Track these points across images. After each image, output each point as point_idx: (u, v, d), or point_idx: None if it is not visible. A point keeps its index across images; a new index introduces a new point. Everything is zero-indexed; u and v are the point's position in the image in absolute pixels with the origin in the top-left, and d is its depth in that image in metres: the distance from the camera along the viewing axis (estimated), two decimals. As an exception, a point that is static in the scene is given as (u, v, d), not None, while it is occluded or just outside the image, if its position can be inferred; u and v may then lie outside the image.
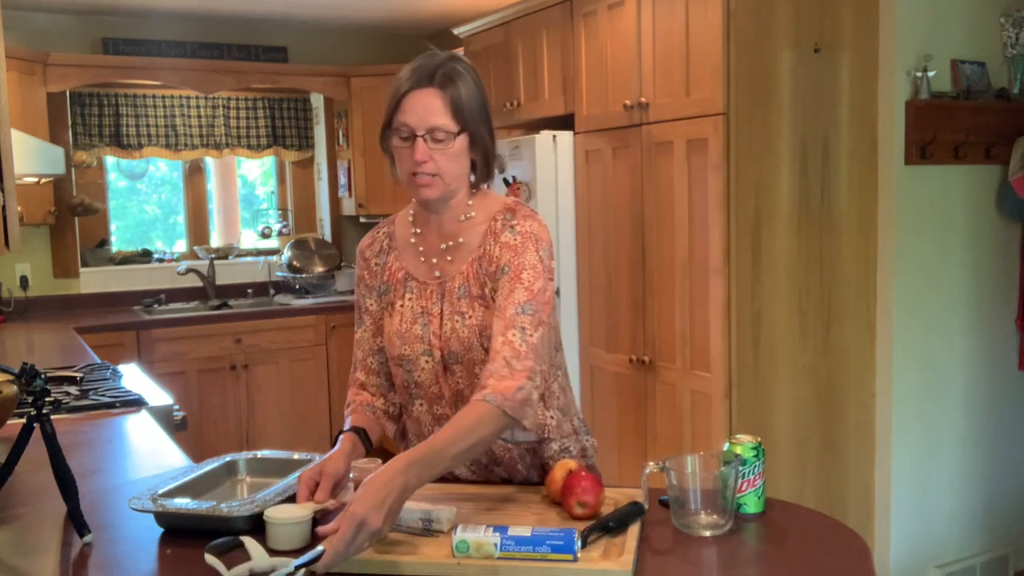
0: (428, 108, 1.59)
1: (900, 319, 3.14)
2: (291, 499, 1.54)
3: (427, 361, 1.69)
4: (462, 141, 1.62)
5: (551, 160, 3.59)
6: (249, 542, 1.32)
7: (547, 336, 1.61)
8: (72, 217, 4.99)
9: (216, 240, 5.82)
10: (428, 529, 1.46)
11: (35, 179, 4.06)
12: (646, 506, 1.54)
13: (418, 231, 1.75)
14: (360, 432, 1.71)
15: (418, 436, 1.79)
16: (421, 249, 1.74)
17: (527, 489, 1.69)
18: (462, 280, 1.68)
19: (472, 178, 1.71)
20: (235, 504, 1.50)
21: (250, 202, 6.05)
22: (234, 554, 1.33)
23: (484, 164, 1.70)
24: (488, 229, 1.68)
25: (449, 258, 1.70)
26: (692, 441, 3.03)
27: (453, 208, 1.70)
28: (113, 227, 5.54)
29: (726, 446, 1.60)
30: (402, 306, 1.72)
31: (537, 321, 1.58)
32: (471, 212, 1.71)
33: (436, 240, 1.72)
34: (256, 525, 1.46)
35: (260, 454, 1.82)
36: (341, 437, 1.69)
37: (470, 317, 1.65)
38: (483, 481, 1.78)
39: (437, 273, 1.71)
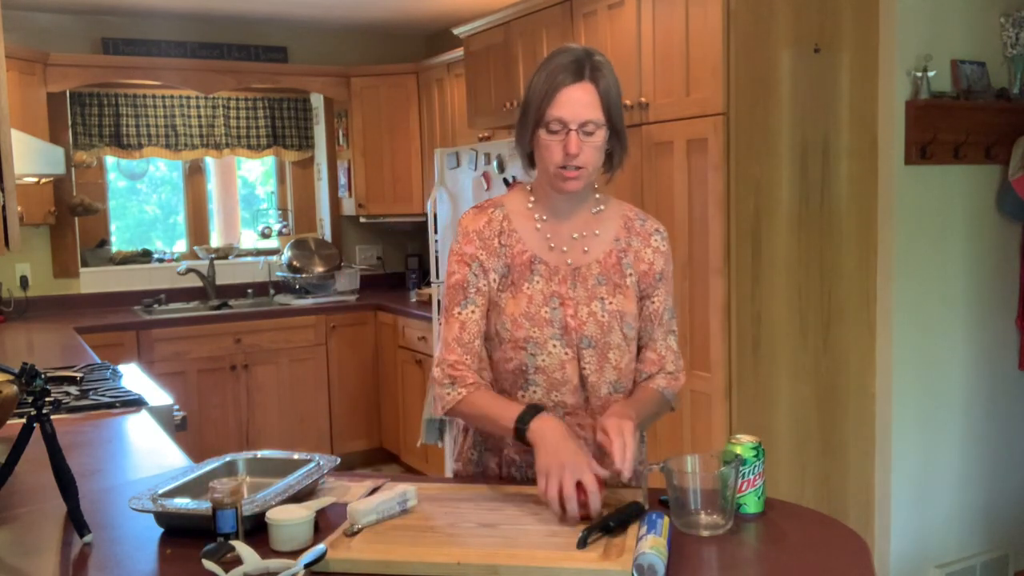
0: (582, 102, 1.64)
1: (900, 319, 3.14)
2: (292, 499, 1.54)
3: (555, 345, 1.71)
4: (605, 133, 1.68)
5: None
6: (240, 546, 1.32)
7: None
8: (72, 217, 4.99)
9: (216, 240, 5.82)
10: (404, 509, 1.56)
11: (35, 179, 4.06)
12: (646, 506, 1.54)
13: (544, 219, 1.78)
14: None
15: None
16: (549, 236, 1.76)
17: (527, 489, 1.69)
18: (600, 269, 1.75)
19: (603, 169, 1.76)
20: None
21: (250, 202, 6.05)
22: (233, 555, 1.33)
23: (620, 155, 1.75)
24: (626, 225, 1.79)
25: (585, 248, 1.76)
26: (692, 441, 3.03)
27: (585, 201, 1.78)
28: (113, 227, 5.54)
29: (726, 446, 1.60)
30: (529, 288, 1.73)
31: (676, 322, 1.85)
32: (600, 206, 1.80)
33: (568, 229, 1.77)
34: (256, 525, 1.46)
35: (260, 454, 1.82)
36: (542, 422, 1.58)
37: (610, 303, 1.73)
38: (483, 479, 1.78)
39: (569, 261, 1.75)
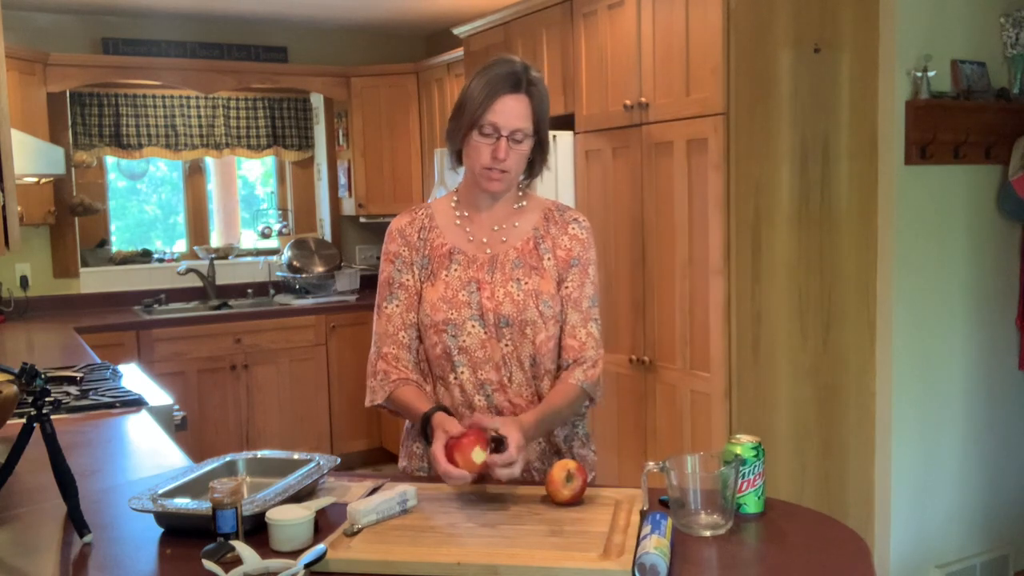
0: (516, 112, 1.78)
1: (900, 319, 3.14)
2: (292, 499, 1.54)
3: (474, 326, 1.81)
4: (531, 143, 1.82)
5: (551, 160, 3.57)
6: (240, 546, 1.32)
7: None
8: (72, 217, 4.99)
9: (216, 240, 5.82)
10: (404, 509, 1.56)
11: (35, 179, 4.06)
12: (645, 506, 1.54)
13: (465, 214, 1.90)
14: (445, 410, 1.75)
15: (461, 405, 1.84)
16: (468, 230, 1.88)
17: (529, 489, 1.69)
18: (517, 254, 1.85)
19: (523, 175, 1.90)
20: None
21: (250, 202, 6.05)
22: (233, 555, 1.33)
23: (539, 164, 1.90)
24: (545, 216, 1.89)
25: (503, 239, 1.86)
26: (692, 441, 3.03)
27: (507, 199, 1.89)
28: (113, 227, 5.54)
29: (726, 446, 1.60)
30: (447, 276, 1.84)
31: (599, 311, 1.89)
32: (523, 202, 1.91)
33: (487, 222, 1.88)
34: (256, 525, 1.46)
35: (260, 454, 1.82)
36: (435, 417, 1.69)
37: (526, 284, 1.82)
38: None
39: (488, 251, 1.85)
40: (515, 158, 1.80)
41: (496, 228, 1.87)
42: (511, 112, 1.77)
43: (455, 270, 1.84)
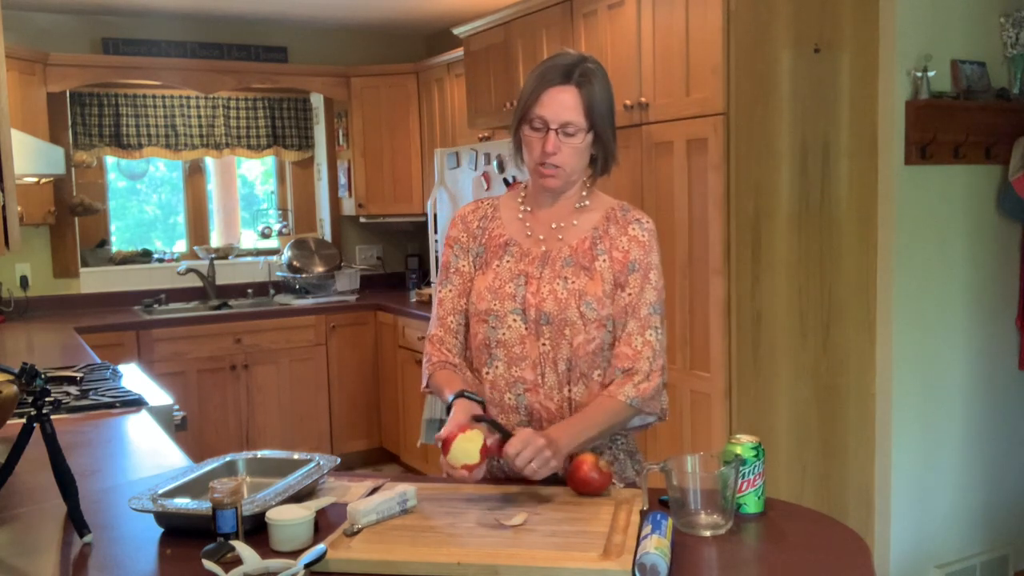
0: (564, 104, 1.72)
1: (900, 319, 3.14)
2: (292, 499, 1.54)
3: (515, 320, 1.78)
4: (588, 138, 1.75)
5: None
6: (240, 546, 1.32)
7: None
8: (72, 217, 4.99)
9: (216, 240, 5.82)
10: (404, 509, 1.56)
11: (35, 179, 4.06)
12: (645, 506, 1.54)
13: (528, 209, 1.86)
14: (467, 394, 1.74)
15: (489, 402, 1.81)
16: (528, 224, 1.85)
17: (530, 489, 1.69)
18: (571, 252, 1.79)
19: (590, 172, 1.83)
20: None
21: (250, 202, 6.05)
22: (233, 555, 1.33)
23: (604, 160, 1.82)
24: (607, 216, 1.82)
25: (560, 236, 1.82)
26: (692, 441, 3.03)
27: (569, 197, 1.84)
28: (113, 227, 5.54)
29: (726, 446, 1.60)
30: (498, 266, 1.82)
31: (662, 318, 1.80)
32: (586, 201, 1.84)
33: (547, 218, 1.84)
34: (256, 525, 1.46)
35: (260, 454, 1.82)
36: (454, 404, 1.70)
37: (572, 283, 1.77)
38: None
39: (544, 247, 1.81)
40: (567, 152, 1.74)
41: (555, 225, 1.82)
42: (559, 104, 1.71)
43: (507, 261, 1.81)
